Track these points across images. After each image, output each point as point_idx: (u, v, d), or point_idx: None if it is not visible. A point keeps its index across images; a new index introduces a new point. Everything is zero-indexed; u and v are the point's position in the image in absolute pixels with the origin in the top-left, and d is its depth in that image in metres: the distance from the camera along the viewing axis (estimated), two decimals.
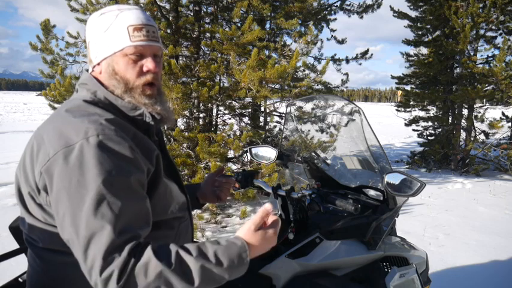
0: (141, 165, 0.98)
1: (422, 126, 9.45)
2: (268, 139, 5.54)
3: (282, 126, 3.86)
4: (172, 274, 0.86)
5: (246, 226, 0.99)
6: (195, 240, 1.37)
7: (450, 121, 8.76)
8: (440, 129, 9.06)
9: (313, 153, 2.23)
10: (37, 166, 0.95)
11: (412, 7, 9.20)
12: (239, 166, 5.48)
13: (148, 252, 0.86)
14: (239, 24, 5.04)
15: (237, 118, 5.59)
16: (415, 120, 9.29)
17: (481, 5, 7.83)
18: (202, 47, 5.04)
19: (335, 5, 7.49)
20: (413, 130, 9.59)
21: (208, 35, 5.16)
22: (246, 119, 5.79)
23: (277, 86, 5.13)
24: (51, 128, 0.97)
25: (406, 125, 9.50)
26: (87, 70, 1.16)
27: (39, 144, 0.96)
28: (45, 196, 0.96)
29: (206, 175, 1.57)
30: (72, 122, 0.96)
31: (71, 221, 0.88)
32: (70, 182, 0.89)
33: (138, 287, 0.84)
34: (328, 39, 7.65)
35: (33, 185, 0.97)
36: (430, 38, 8.92)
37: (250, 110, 5.76)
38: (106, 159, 0.90)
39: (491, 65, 8.11)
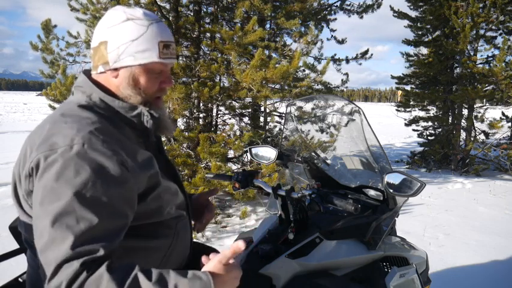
0: (128, 180, 0.96)
1: (422, 126, 9.43)
2: (268, 139, 5.54)
3: (282, 126, 3.85)
4: None
5: (215, 259, 0.93)
6: (194, 240, 1.38)
7: (450, 121, 8.75)
8: (440, 129, 9.05)
9: (313, 153, 2.23)
10: (26, 168, 0.96)
11: (412, 7, 9.19)
12: (239, 166, 5.48)
13: (103, 269, 0.83)
14: (239, 25, 5.03)
15: (237, 118, 5.59)
16: (415, 120, 9.28)
17: (481, 5, 7.82)
18: (203, 47, 5.04)
19: (335, 5, 7.50)
20: (413, 130, 9.57)
21: (208, 35, 5.15)
22: (246, 119, 5.79)
23: (278, 86, 5.13)
24: (42, 132, 0.99)
25: (406, 125, 9.49)
26: (86, 71, 1.14)
27: (31, 146, 0.98)
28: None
29: (196, 195, 1.48)
30: (63, 127, 0.96)
31: (38, 224, 0.88)
32: (45, 187, 0.89)
33: None
34: (328, 39, 7.65)
35: (25, 186, 0.99)
36: (430, 38, 8.91)
37: (250, 110, 5.76)
38: (84, 170, 0.89)
39: (491, 65, 8.09)
